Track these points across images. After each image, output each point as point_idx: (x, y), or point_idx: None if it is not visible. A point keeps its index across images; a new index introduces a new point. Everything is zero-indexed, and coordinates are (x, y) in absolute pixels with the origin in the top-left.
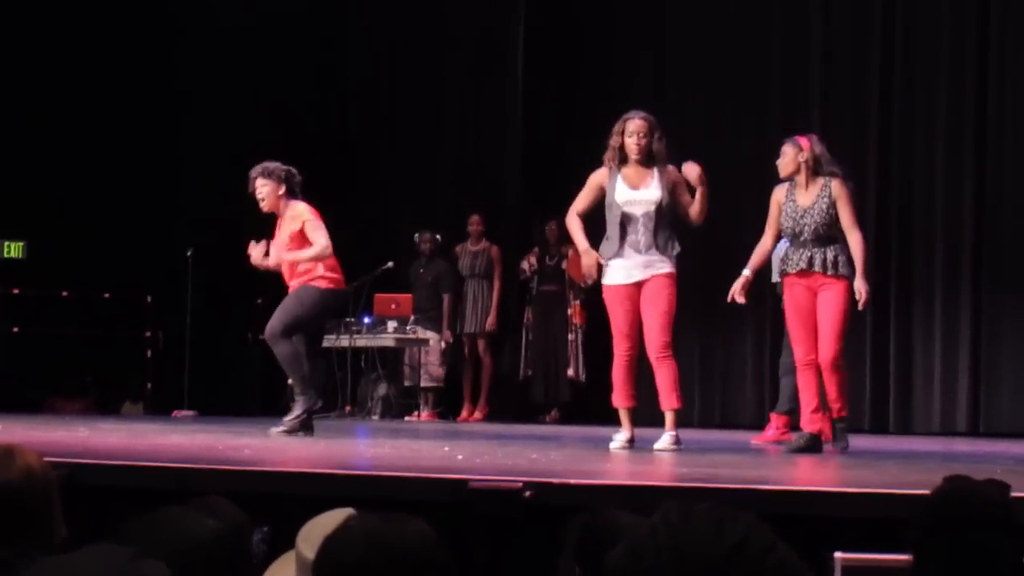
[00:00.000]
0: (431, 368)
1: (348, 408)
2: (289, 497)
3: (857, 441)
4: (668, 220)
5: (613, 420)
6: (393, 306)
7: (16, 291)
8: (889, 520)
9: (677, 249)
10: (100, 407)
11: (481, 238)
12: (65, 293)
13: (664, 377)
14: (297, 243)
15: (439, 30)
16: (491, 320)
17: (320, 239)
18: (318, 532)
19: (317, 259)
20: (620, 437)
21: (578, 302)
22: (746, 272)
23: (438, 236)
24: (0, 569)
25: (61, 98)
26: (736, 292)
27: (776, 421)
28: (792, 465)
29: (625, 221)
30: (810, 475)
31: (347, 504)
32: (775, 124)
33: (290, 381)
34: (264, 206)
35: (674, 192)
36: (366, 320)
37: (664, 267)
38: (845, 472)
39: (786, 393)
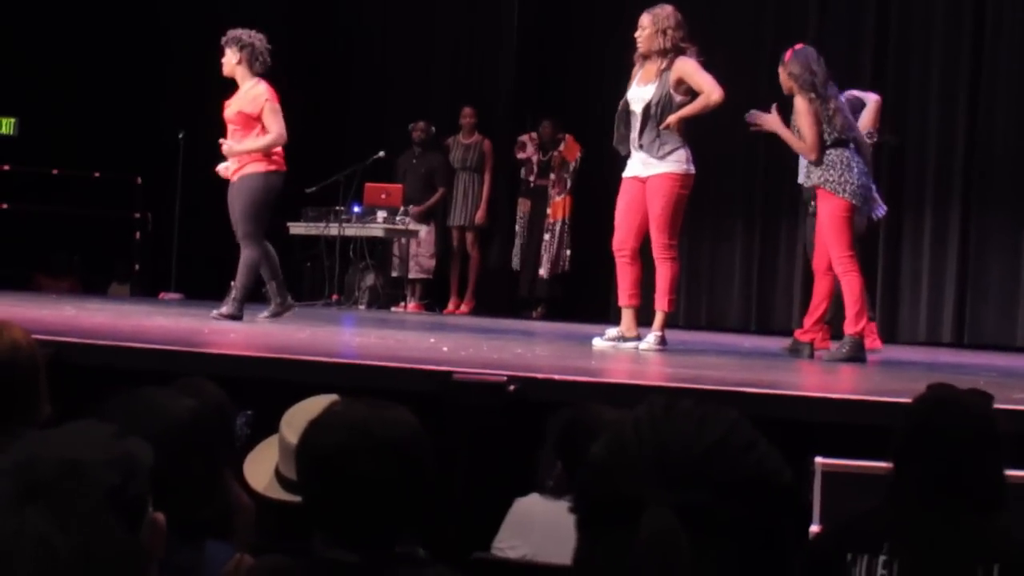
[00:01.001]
0: (420, 259)
1: (335, 297)
2: (273, 382)
3: None
4: (657, 121)
5: (596, 318)
6: (383, 196)
7: (6, 167)
8: (870, 427)
9: (667, 150)
10: (87, 286)
11: (473, 131)
12: (55, 171)
13: (658, 277)
14: (245, 125)
15: None
16: (481, 213)
17: (275, 126)
18: (302, 417)
19: (271, 147)
20: (609, 332)
21: (561, 198)
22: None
23: (432, 127)
24: None
25: None
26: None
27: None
28: (777, 369)
29: (631, 118)
30: (794, 379)
31: (331, 392)
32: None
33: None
34: (224, 71)
35: (679, 89)
36: (355, 209)
37: (659, 167)
38: (828, 378)
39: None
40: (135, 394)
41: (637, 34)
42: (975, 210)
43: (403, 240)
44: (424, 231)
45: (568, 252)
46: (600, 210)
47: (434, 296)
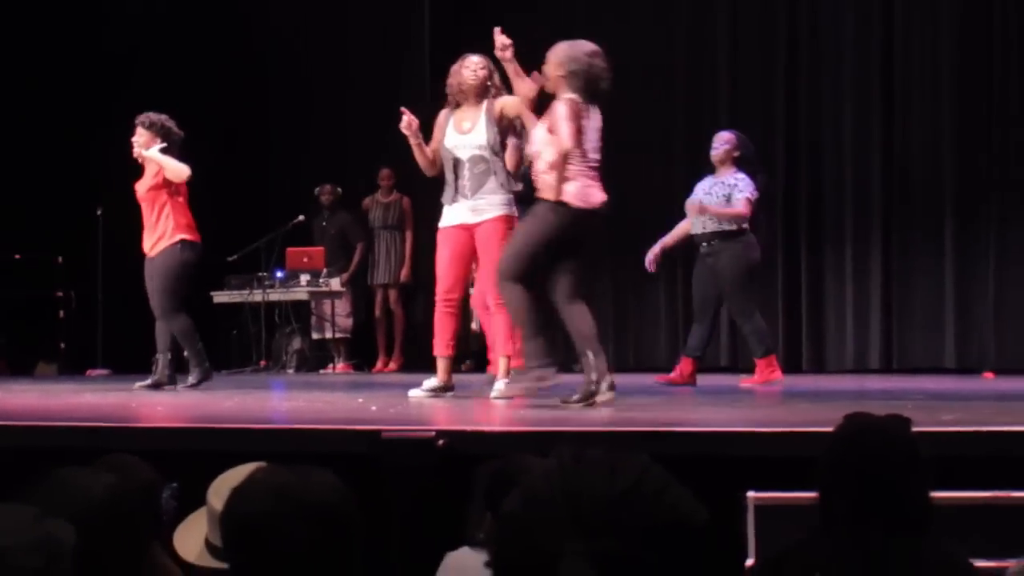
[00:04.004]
0: (339, 319)
1: (263, 363)
2: (201, 453)
3: None
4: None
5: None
6: (305, 259)
7: None
8: (801, 459)
9: (497, 196)
10: (14, 368)
11: (392, 190)
12: None
13: (502, 324)
14: (155, 199)
15: None
16: (405, 271)
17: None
18: (228, 485)
19: (178, 176)
20: (427, 384)
21: None
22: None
23: (339, 188)
24: None
25: None
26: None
27: (761, 366)
28: (704, 406)
29: (457, 166)
30: (722, 416)
31: (261, 458)
32: (681, 66)
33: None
34: (135, 153)
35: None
36: (279, 274)
37: (490, 213)
38: (757, 412)
39: (754, 338)
40: (53, 475)
41: (466, 74)
42: (895, 236)
43: (322, 302)
44: (341, 291)
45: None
46: None
47: (362, 355)
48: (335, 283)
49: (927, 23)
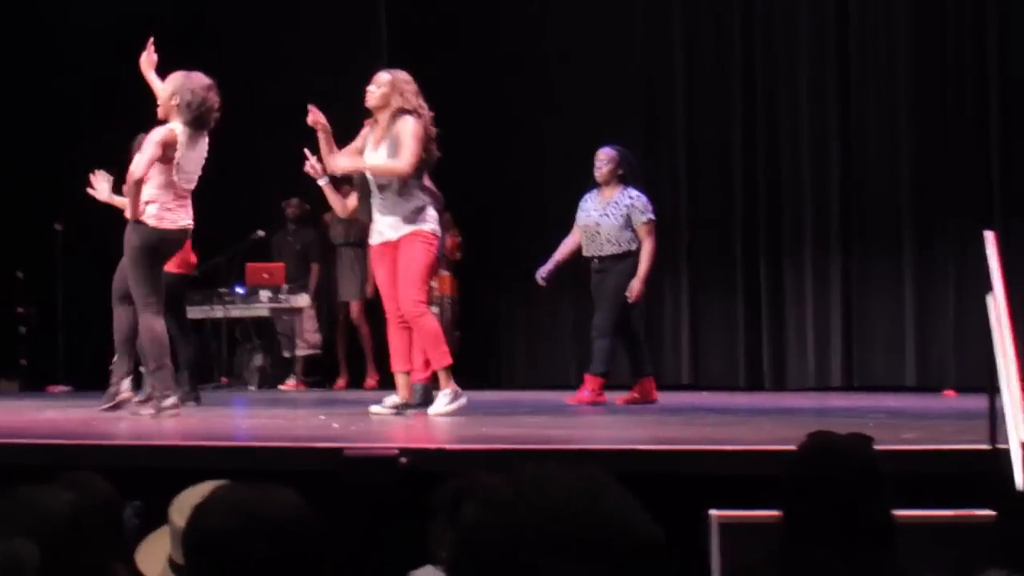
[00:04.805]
0: (307, 335)
1: (224, 379)
2: (163, 471)
3: (732, 398)
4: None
5: (482, 385)
6: (266, 275)
7: None
8: (763, 477)
9: (412, 208)
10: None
11: None
12: None
13: (421, 336)
14: None
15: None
16: (370, 287)
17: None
18: (189, 502)
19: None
20: (388, 400)
21: (447, 273)
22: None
23: (306, 204)
24: None
25: None
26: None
27: (590, 383)
28: (667, 425)
29: (369, 183)
30: (684, 433)
31: (223, 476)
32: (639, 79)
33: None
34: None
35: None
36: (239, 290)
37: (408, 228)
38: (719, 430)
39: (599, 355)
40: (13, 492)
41: (371, 90)
42: (855, 253)
43: (286, 318)
44: (307, 307)
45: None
46: (485, 280)
47: (323, 372)
48: (297, 299)
49: (882, 37)
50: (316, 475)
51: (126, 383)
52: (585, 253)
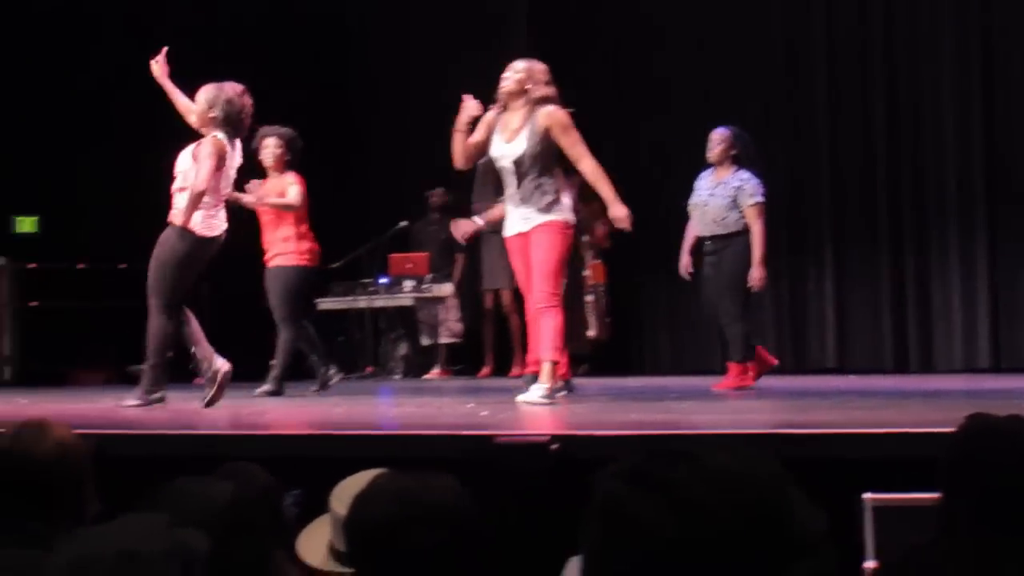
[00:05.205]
0: (450, 324)
1: (369, 369)
2: (316, 460)
3: (879, 381)
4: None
5: (627, 371)
6: (409, 265)
7: (33, 265)
8: (916, 459)
9: (548, 200)
10: (122, 377)
11: None
12: (81, 265)
13: (542, 328)
14: (278, 213)
15: None
16: None
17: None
18: (350, 491)
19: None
20: (535, 388)
21: (598, 261)
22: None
23: (450, 194)
24: (34, 542)
25: (70, 74)
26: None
27: (734, 370)
28: (815, 409)
29: (502, 174)
30: (835, 417)
31: (375, 464)
32: (781, 70)
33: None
34: (263, 157)
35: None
36: (382, 280)
37: (542, 218)
38: (870, 413)
39: (736, 342)
40: (175, 484)
41: (507, 75)
42: (1001, 233)
43: (433, 307)
44: (450, 296)
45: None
46: (629, 266)
47: (467, 360)
48: (441, 288)
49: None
50: (467, 463)
51: (217, 360)
52: (699, 233)
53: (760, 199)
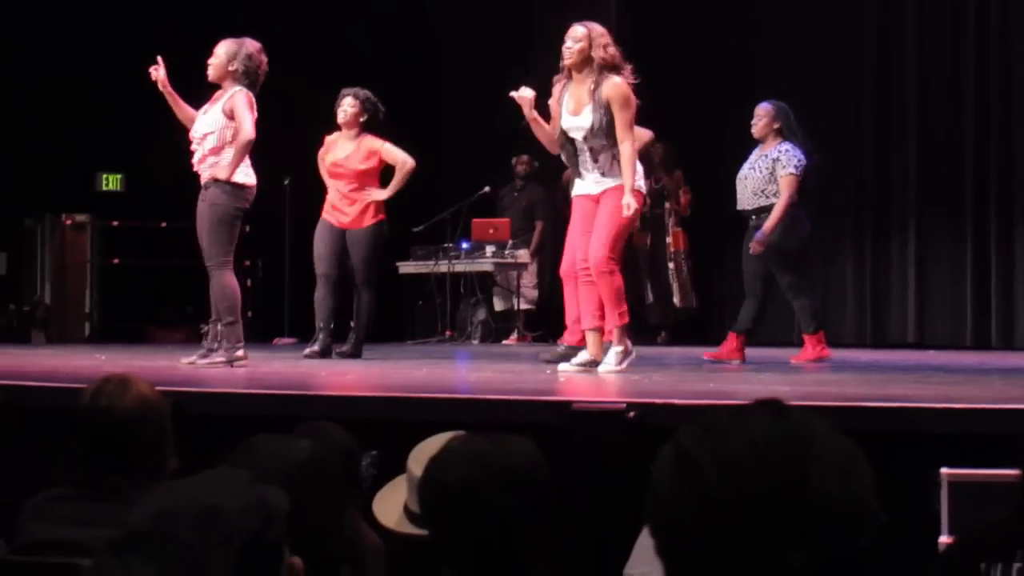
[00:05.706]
0: (525, 291)
1: (448, 333)
2: (395, 422)
3: (960, 357)
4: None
5: (703, 341)
6: (491, 231)
7: (115, 223)
8: (995, 436)
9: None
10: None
11: None
12: (163, 224)
13: (602, 293)
14: (360, 177)
15: None
16: None
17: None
18: (427, 453)
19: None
20: (578, 358)
21: (679, 229)
22: None
23: (536, 161)
24: (114, 496)
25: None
26: None
27: (810, 342)
28: (895, 383)
29: (574, 144)
30: (913, 392)
31: (454, 428)
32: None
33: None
34: (341, 119)
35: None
36: (464, 245)
37: (612, 182)
38: (950, 388)
39: (805, 314)
40: (253, 441)
41: (568, 46)
42: None
43: (508, 272)
44: (529, 263)
45: (688, 285)
46: (712, 238)
47: (544, 327)
48: (521, 254)
49: None
50: (545, 428)
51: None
52: (739, 207)
53: (793, 170)
